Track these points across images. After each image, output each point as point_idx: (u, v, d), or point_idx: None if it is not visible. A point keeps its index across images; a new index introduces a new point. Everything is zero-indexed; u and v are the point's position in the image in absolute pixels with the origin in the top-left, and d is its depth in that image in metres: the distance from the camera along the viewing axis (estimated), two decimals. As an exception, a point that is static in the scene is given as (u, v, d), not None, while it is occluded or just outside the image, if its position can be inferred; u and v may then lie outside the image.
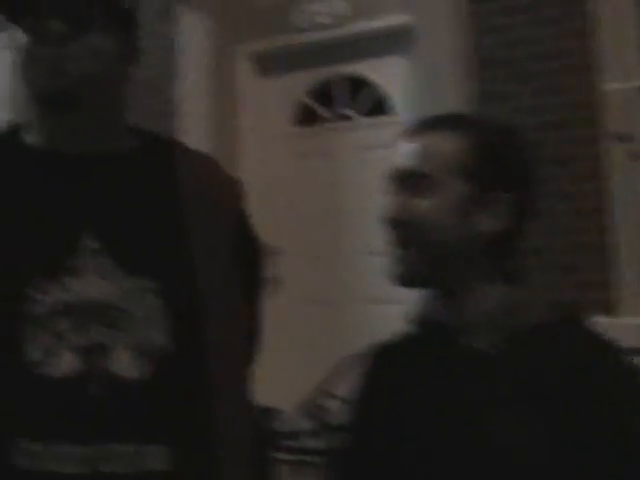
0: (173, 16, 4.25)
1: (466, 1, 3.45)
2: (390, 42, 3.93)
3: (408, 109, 3.85)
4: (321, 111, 4.18)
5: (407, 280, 1.17)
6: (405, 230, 1.15)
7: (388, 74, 3.95)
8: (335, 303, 4.09)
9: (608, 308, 3.02)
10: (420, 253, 1.15)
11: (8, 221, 1.07)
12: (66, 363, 1.02)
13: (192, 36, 4.20)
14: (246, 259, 1.20)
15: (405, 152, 1.18)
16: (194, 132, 4.16)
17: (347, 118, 4.10)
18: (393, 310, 3.85)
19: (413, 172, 1.16)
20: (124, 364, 1.04)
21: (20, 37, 1.08)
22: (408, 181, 1.16)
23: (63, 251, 1.06)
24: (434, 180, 1.14)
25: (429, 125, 1.20)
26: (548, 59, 3.30)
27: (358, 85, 4.06)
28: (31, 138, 1.15)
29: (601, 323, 1.18)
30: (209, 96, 4.14)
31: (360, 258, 4.01)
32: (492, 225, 1.14)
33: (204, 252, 1.13)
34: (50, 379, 1.01)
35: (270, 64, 4.31)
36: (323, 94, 4.18)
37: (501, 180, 1.16)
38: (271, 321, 4.63)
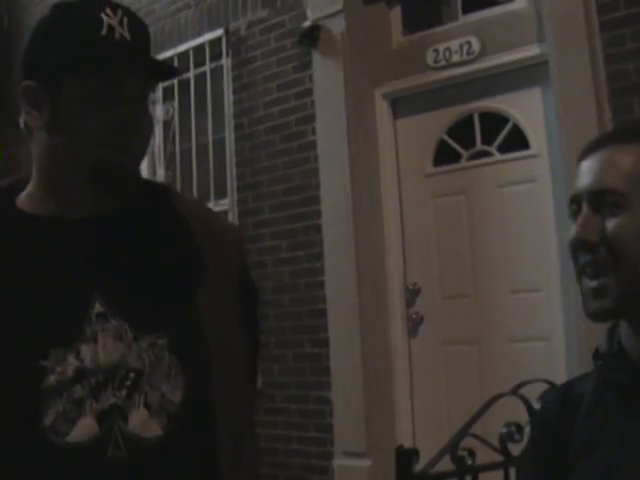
0: (309, 63, 4.38)
1: (599, 28, 3.35)
2: (525, 75, 3.87)
3: (546, 142, 3.78)
4: (459, 148, 4.16)
5: (605, 314, 1.01)
6: (596, 254, 1.00)
7: (525, 107, 3.88)
8: (477, 342, 4.01)
9: None
10: (619, 281, 0.99)
11: (20, 293, 1.06)
12: (84, 429, 1.02)
13: (328, 81, 4.30)
14: (246, 301, 1.21)
15: (586, 169, 1.04)
16: (334, 175, 4.24)
17: (485, 154, 4.06)
18: (536, 347, 3.73)
19: (597, 189, 1.02)
20: (141, 424, 1.04)
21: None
22: (593, 200, 1.02)
23: (76, 320, 1.06)
24: (623, 195, 1.00)
25: (610, 137, 1.07)
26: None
27: (495, 120, 4.02)
28: (27, 204, 1.13)
29: None
30: (348, 139, 4.21)
31: (501, 296, 3.92)
32: None
33: (209, 299, 1.12)
34: (69, 446, 1.01)
35: (407, 104, 4.34)
36: (461, 131, 4.16)
37: None
38: (414, 361, 4.57)
